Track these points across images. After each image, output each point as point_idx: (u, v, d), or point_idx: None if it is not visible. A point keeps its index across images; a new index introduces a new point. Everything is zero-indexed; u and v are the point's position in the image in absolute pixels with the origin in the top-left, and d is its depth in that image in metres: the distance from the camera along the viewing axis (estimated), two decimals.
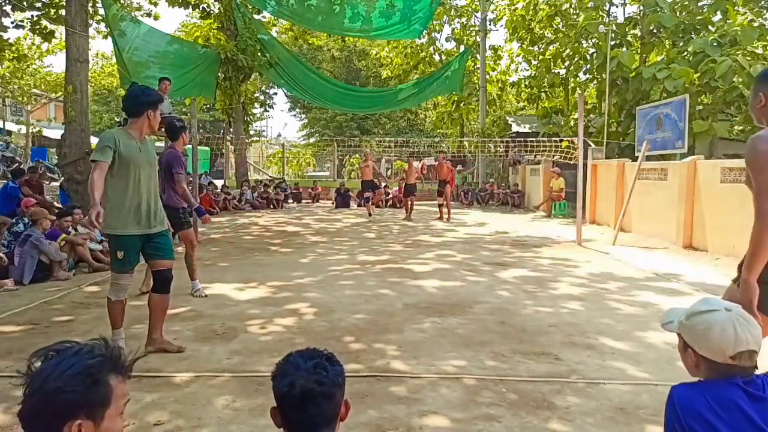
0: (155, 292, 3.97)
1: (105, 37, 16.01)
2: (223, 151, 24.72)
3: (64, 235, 7.05)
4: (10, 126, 30.00)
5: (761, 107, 2.33)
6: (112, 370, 1.21)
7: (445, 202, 14.39)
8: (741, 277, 2.23)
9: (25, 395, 1.17)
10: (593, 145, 14.35)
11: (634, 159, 11.82)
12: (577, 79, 20.66)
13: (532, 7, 20.55)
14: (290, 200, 20.78)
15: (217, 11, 18.12)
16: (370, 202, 15.32)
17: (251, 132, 27.64)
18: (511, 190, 20.33)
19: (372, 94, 23.49)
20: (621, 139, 16.09)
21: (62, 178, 11.64)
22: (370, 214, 14.94)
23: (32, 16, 13.80)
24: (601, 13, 18.17)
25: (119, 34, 11.65)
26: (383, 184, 21.56)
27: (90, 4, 11.63)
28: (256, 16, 18.71)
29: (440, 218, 14.12)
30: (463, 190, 21.23)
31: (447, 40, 35.78)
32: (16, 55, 16.98)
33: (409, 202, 14.60)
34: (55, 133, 24.23)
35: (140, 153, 3.75)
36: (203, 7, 17.79)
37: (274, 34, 22.54)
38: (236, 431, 2.80)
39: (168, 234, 4.04)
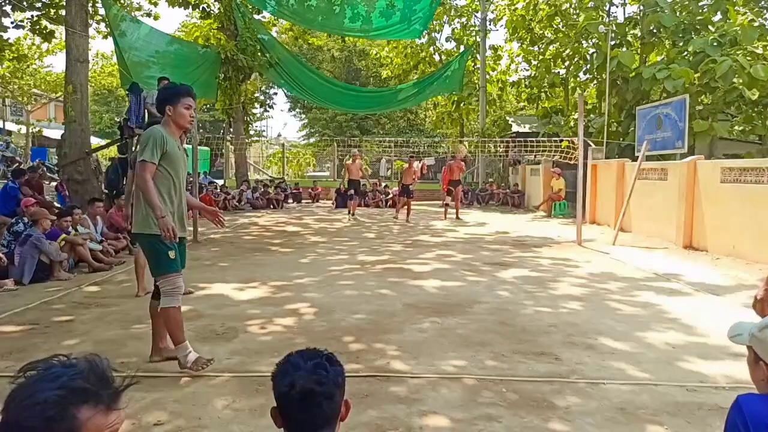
0: (158, 299, 3.61)
1: (105, 37, 16.01)
2: (223, 151, 24.72)
3: (64, 235, 7.04)
4: (10, 126, 30.00)
5: None
6: (84, 401, 1.05)
7: (452, 202, 14.41)
8: None
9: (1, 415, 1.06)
10: (593, 145, 14.35)
11: (634, 159, 11.81)
12: (577, 79, 20.67)
13: (532, 7, 20.56)
14: (290, 200, 20.78)
15: (217, 11, 18.11)
16: (354, 201, 15.32)
17: (251, 132, 27.63)
18: (511, 190, 20.35)
19: (372, 94, 23.48)
20: (621, 139, 16.09)
21: (58, 180, 11.57)
22: (352, 214, 14.99)
23: (32, 16, 13.80)
24: (601, 13, 18.17)
25: (120, 34, 11.66)
26: (383, 184, 21.55)
27: (90, 4, 11.62)
28: (256, 16, 18.70)
29: (444, 218, 14.14)
30: (463, 190, 21.24)
31: (447, 40, 35.80)
32: (16, 55, 16.98)
33: (402, 203, 14.58)
34: (55, 133, 24.20)
35: (179, 152, 3.60)
36: (203, 7, 17.78)
37: (274, 34, 22.53)
38: (236, 431, 2.80)
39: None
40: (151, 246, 3.50)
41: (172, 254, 3.47)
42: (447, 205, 14.44)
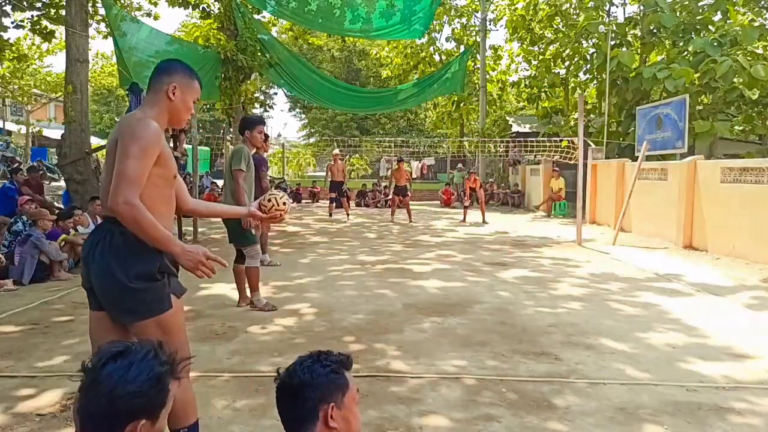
0: (242, 263, 5.11)
1: (105, 37, 16.01)
2: (223, 151, 24.65)
3: (64, 235, 7.04)
4: (10, 126, 30.00)
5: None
6: (172, 373, 1.32)
7: (469, 203, 14.68)
8: None
9: (86, 395, 1.24)
10: (593, 145, 14.35)
11: (634, 159, 11.81)
12: (577, 79, 20.67)
13: (532, 7, 20.56)
14: (290, 200, 20.77)
15: (217, 11, 18.10)
16: (333, 204, 15.11)
17: None
18: (511, 190, 20.34)
19: (372, 94, 23.45)
20: (621, 139, 16.09)
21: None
22: (330, 215, 14.92)
23: (32, 16, 13.76)
24: (601, 13, 18.17)
25: (120, 34, 11.63)
26: (383, 184, 21.53)
27: (90, 4, 11.61)
28: (256, 16, 18.69)
29: (464, 220, 14.26)
30: (463, 190, 21.24)
31: (447, 40, 35.80)
32: (16, 55, 16.94)
33: (396, 203, 14.55)
34: (55, 133, 24.22)
35: (252, 162, 5.23)
36: (203, 7, 17.77)
37: (274, 34, 22.52)
38: (236, 431, 2.80)
39: None
40: (241, 225, 4.88)
41: (254, 230, 4.98)
42: (466, 207, 14.59)
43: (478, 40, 24.21)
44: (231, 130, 21.51)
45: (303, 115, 41.94)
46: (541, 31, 20.96)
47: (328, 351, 1.52)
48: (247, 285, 5.17)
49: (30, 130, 28.36)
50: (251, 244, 5.02)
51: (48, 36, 14.54)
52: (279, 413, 1.48)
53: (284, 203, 2.70)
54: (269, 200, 2.67)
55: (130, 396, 1.21)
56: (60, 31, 13.91)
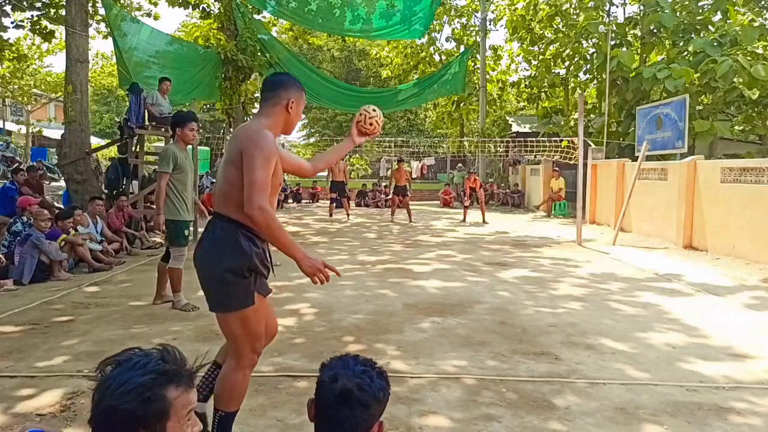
0: (167, 261, 5.20)
1: (105, 37, 16.01)
2: (223, 151, 24.67)
3: (64, 235, 7.04)
4: (10, 126, 30.01)
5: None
6: (170, 382, 1.21)
7: (469, 203, 14.82)
8: None
9: (92, 404, 1.21)
10: (593, 145, 14.35)
11: (634, 159, 11.82)
12: (577, 79, 20.68)
13: (532, 7, 20.57)
14: (290, 200, 20.79)
15: (217, 11, 18.11)
16: (334, 204, 15.13)
17: None
18: (511, 190, 20.35)
19: (372, 94, 23.45)
20: (621, 139, 16.09)
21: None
22: (330, 215, 14.96)
23: (32, 16, 13.76)
24: (601, 13, 18.18)
25: (120, 34, 11.63)
26: (383, 184, 21.54)
27: (90, 4, 11.60)
28: (256, 16, 18.69)
29: (464, 219, 14.33)
30: (463, 190, 21.25)
31: (447, 40, 35.79)
32: (16, 55, 16.95)
33: (396, 203, 14.54)
34: (55, 133, 24.23)
35: (187, 161, 5.19)
36: (203, 7, 17.78)
37: (274, 34, 22.52)
38: (236, 431, 2.80)
39: None
40: (173, 226, 5.08)
41: (186, 233, 5.14)
42: (466, 207, 14.67)
43: (478, 40, 24.21)
44: (231, 130, 21.51)
45: (303, 115, 41.88)
46: (541, 31, 20.97)
47: (372, 360, 1.52)
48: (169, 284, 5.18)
49: (30, 130, 28.37)
50: (179, 246, 5.11)
51: (48, 36, 14.54)
52: (324, 414, 1.42)
53: (374, 110, 2.78)
54: (363, 121, 2.75)
55: (111, 410, 1.15)
56: (60, 31, 13.91)
